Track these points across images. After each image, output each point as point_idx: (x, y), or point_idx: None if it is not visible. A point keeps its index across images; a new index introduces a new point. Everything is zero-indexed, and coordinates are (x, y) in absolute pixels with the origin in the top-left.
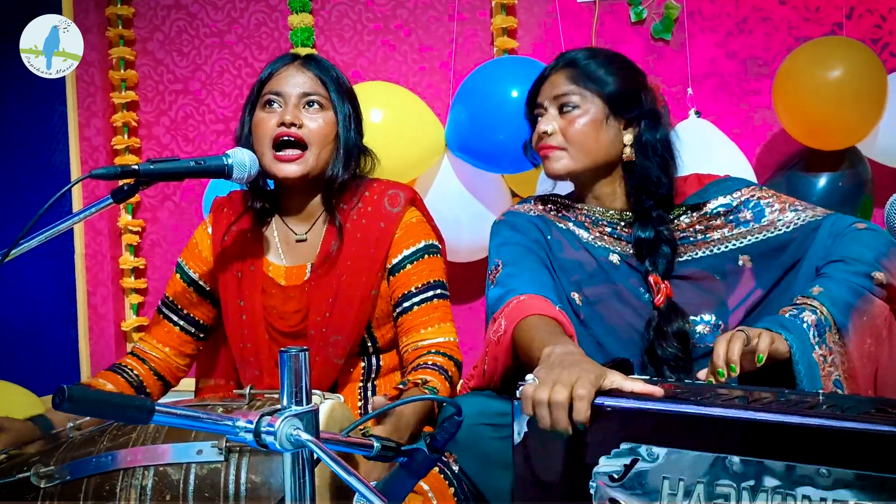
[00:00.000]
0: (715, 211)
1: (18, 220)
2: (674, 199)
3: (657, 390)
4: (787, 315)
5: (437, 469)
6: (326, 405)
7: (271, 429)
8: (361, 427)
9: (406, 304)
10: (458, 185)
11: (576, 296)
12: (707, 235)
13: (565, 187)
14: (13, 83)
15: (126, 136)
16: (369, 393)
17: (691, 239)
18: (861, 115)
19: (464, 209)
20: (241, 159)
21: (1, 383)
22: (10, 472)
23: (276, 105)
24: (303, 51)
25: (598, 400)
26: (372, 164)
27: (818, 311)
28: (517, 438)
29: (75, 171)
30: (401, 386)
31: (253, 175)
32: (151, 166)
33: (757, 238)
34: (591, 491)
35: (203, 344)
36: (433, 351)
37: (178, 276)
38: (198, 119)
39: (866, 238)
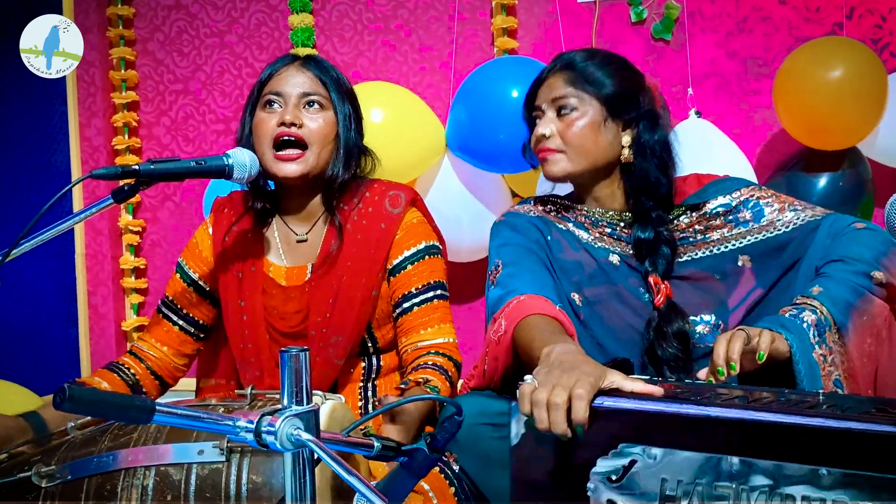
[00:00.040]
0: (714, 211)
1: (18, 220)
2: (673, 199)
3: (657, 390)
4: (787, 315)
5: (437, 469)
6: (327, 405)
7: (272, 428)
8: (362, 427)
9: (406, 305)
10: (458, 185)
11: (576, 296)
12: (706, 236)
13: (565, 188)
14: (13, 83)
15: (126, 137)
16: (369, 393)
17: (691, 239)
18: (861, 115)
19: (464, 209)
20: (242, 159)
21: (1, 383)
22: (11, 471)
23: (276, 105)
24: (303, 51)
25: (597, 401)
26: (372, 164)
27: (818, 310)
28: (514, 440)
29: (76, 172)
30: (402, 385)
31: (253, 175)
32: (152, 166)
33: (756, 238)
34: (589, 492)
35: (203, 344)
36: (433, 351)
37: (178, 276)
38: (198, 119)
39: (865, 238)
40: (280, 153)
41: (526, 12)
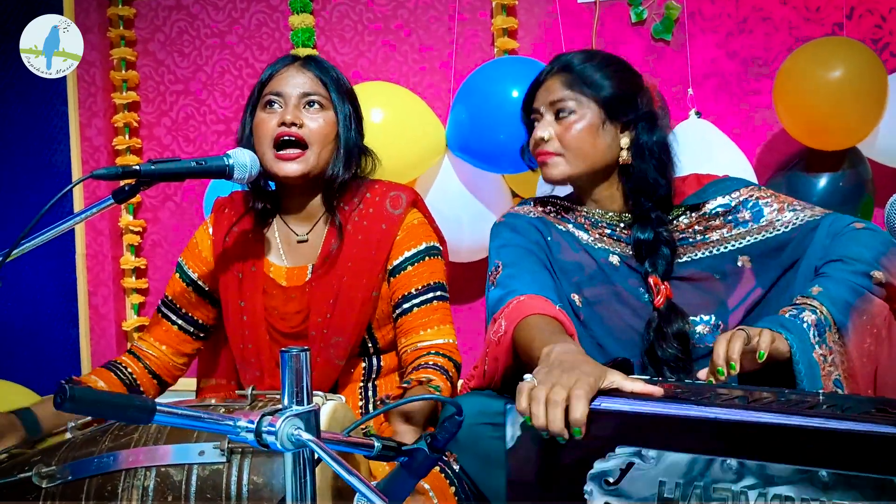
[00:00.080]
0: (714, 211)
1: (19, 220)
2: (672, 199)
3: (657, 390)
4: (786, 315)
5: (437, 468)
6: (328, 406)
7: (272, 428)
8: (363, 427)
9: (406, 306)
10: (458, 185)
11: (576, 297)
12: (706, 236)
13: (565, 189)
14: (14, 83)
15: (127, 137)
16: (370, 393)
17: (690, 240)
18: (861, 116)
19: (464, 209)
20: (242, 160)
21: (2, 383)
22: (12, 471)
23: (276, 105)
24: (303, 51)
25: (595, 402)
26: (373, 164)
27: (818, 310)
28: (510, 442)
29: (76, 172)
30: (405, 385)
31: (254, 175)
32: (152, 167)
33: (756, 238)
34: (585, 495)
35: (203, 344)
36: (434, 352)
37: (177, 276)
38: (199, 119)
39: (865, 237)
40: (281, 153)
41: (526, 13)
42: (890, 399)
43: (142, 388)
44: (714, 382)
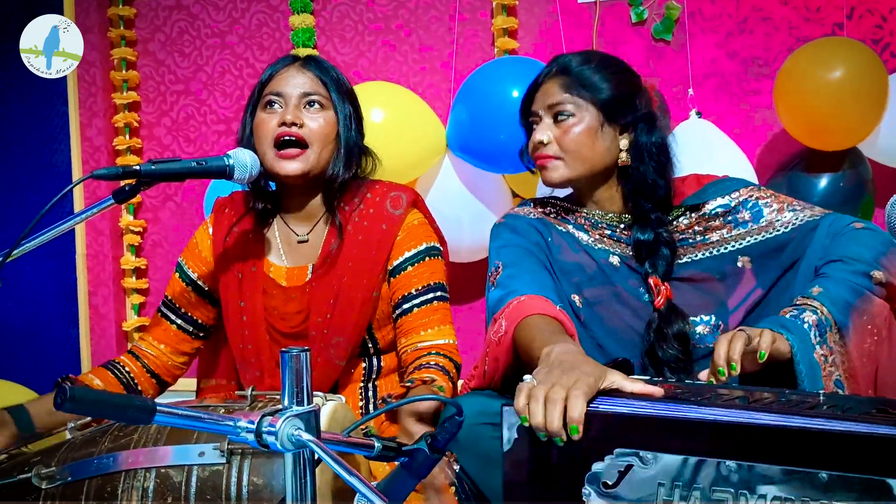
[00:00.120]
0: (713, 212)
1: (19, 220)
2: (672, 200)
3: (658, 391)
4: (787, 316)
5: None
6: (329, 406)
7: (273, 429)
8: (363, 427)
9: (406, 306)
10: (458, 185)
11: (576, 298)
12: (706, 237)
13: (564, 189)
14: (14, 83)
15: (127, 137)
16: (370, 393)
17: (690, 241)
18: (862, 116)
19: (465, 209)
20: (243, 160)
21: (2, 383)
22: (11, 472)
23: (276, 106)
24: (303, 52)
25: (594, 403)
26: (373, 164)
27: (819, 311)
28: (506, 445)
29: (76, 172)
30: (409, 384)
31: (254, 176)
32: (153, 167)
33: (756, 239)
34: (584, 498)
35: (203, 343)
36: (434, 352)
37: (177, 276)
38: (199, 120)
39: (864, 237)
40: (281, 152)
41: (526, 13)
42: (890, 399)
43: (140, 388)
44: (715, 383)
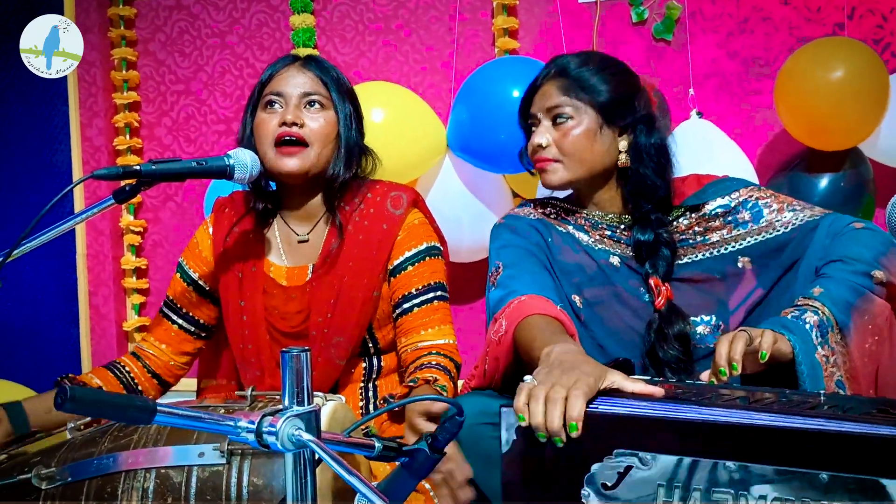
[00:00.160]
0: (713, 212)
1: (19, 220)
2: (672, 200)
3: (658, 391)
4: (788, 316)
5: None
6: (329, 406)
7: (273, 429)
8: (363, 427)
9: (406, 306)
10: (459, 185)
11: (576, 298)
12: (706, 237)
13: (564, 190)
14: (14, 83)
15: (128, 137)
16: (370, 393)
17: (690, 241)
18: (862, 116)
19: (465, 209)
20: (243, 160)
21: (2, 383)
22: (11, 472)
23: (277, 105)
24: (303, 51)
25: (593, 404)
26: (373, 164)
27: (820, 311)
28: (505, 447)
29: (77, 172)
30: (411, 383)
31: (255, 175)
32: (153, 167)
33: (756, 239)
34: (583, 499)
35: (204, 343)
36: (435, 352)
37: (178, 276)
38: (199, 120)
39: (865, 237)
40: (281, 148)
41: (527, 13)
42: (891, 399)
43: (141, 389)
44: (716, 383)
